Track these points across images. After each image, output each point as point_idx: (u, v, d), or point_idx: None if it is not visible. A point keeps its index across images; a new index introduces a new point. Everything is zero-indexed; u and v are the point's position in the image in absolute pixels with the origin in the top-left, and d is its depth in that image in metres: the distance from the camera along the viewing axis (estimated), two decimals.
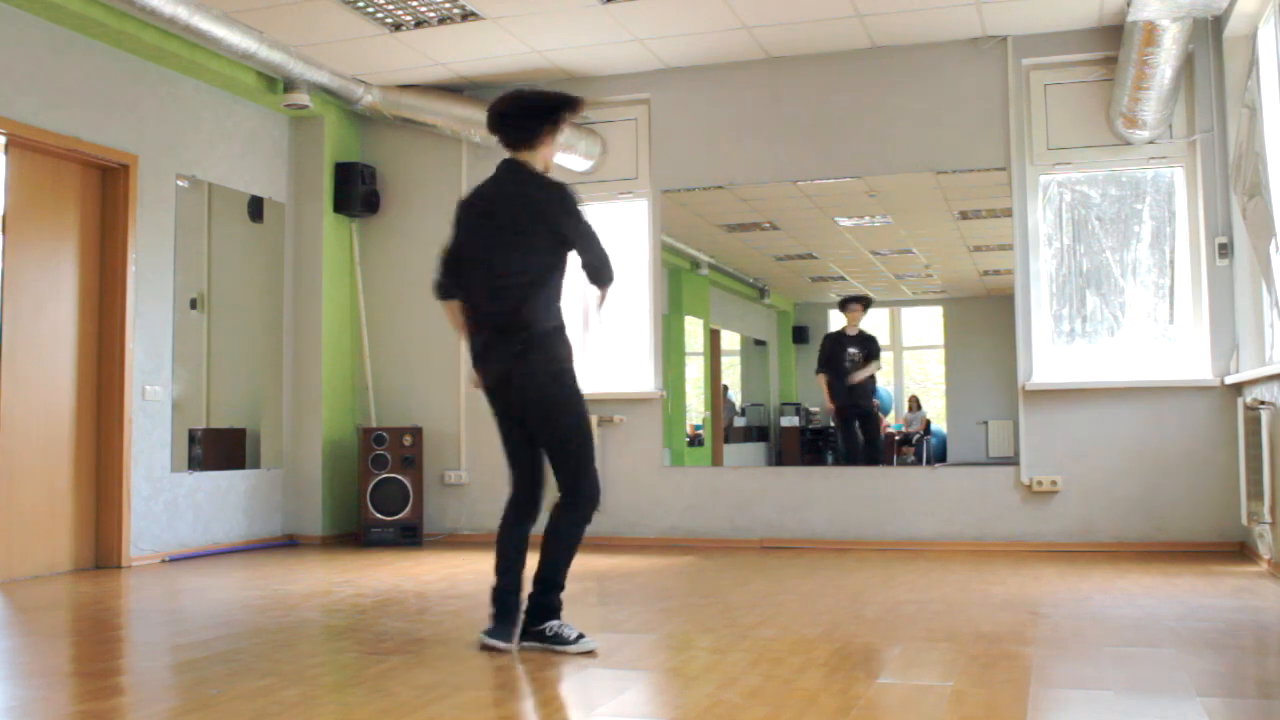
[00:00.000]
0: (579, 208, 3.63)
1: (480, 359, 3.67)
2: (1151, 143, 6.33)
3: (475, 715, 2.76)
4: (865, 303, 7.58)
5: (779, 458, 7.93)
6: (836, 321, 7.75)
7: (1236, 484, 5.73)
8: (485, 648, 3.57)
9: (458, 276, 3.73)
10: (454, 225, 3.76)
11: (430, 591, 4.98)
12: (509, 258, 3.58)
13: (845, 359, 7.50)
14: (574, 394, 3.62)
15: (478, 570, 5.71)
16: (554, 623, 3.57)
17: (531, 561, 3.66)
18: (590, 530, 7.63)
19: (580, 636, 3.56)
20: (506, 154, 3.72)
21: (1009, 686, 2.99)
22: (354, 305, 7.61)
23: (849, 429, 7.59)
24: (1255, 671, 3.34)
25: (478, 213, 3.70)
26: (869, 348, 7.50)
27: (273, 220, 7.29)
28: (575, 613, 4.48)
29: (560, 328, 3.63)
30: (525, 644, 3.58)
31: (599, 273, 3.65)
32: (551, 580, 3.60)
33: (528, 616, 3.61)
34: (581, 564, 5.94)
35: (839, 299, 7.68)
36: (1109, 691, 2.96)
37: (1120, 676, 3.13)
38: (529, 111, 3.68)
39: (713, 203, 7.12)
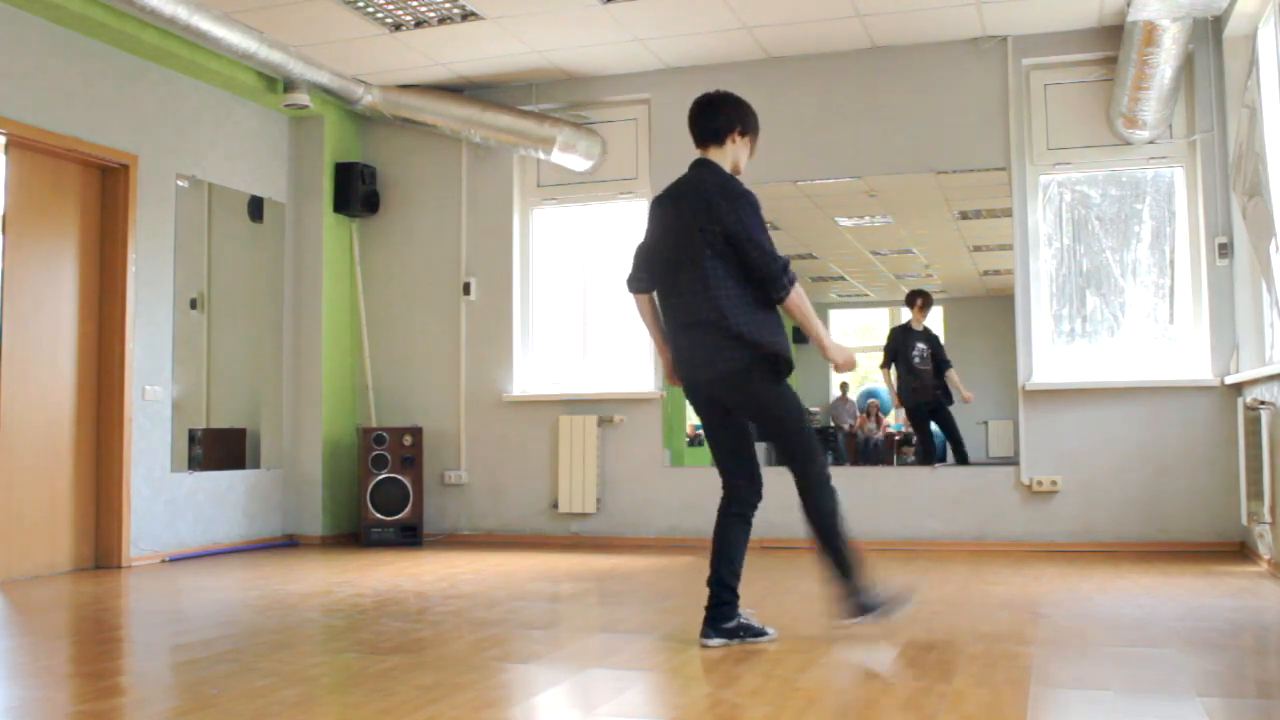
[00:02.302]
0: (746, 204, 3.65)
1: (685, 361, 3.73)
2: (1151, 143, 6.33)
3: (475, 715, 2.76)
4: (928, 299, 7.42)
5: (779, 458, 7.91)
6: (839, 321, 7.74)
7: (1236, 484, 5.73)
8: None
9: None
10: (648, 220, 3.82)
11: (430, 591, 4.98)
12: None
13: (914, 353, 7.41)
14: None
15: (478, 570, 5.71)
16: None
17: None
18: (590, 530, 7.67)
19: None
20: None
21: (1009, 686, 2.99)
22: (354, 305, 7.61)
23: (924, 427, 7.41)
24: (1255, 671, 3.34)
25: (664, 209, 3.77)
26: (936, 345, 7.31)
27: (273, 220, 7.29)
28: (576, 612, 4.48)
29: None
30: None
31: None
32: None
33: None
34: (582, 563, 5.96)
35: (907, 292, 7.45)
36: (1109, 691, 2.96)
37: (1120, 676, 3.13)
38: (718, 107, 3.76)
39: None
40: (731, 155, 3.77)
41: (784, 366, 3.74)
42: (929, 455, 7.24)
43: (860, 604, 3.63)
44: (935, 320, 7.93)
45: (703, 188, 3.66)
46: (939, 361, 7.30)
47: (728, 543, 3.68)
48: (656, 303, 3.85)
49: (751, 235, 3.60)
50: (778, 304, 3.66)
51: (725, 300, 3.61)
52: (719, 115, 3.76)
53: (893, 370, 7.42)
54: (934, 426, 7.71)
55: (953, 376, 7.22)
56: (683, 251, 3.67)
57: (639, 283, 3.85)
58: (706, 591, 3.65)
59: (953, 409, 7.37)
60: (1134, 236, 6.47)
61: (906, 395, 7.38)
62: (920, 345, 7.35)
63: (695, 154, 3.83)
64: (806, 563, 5.91)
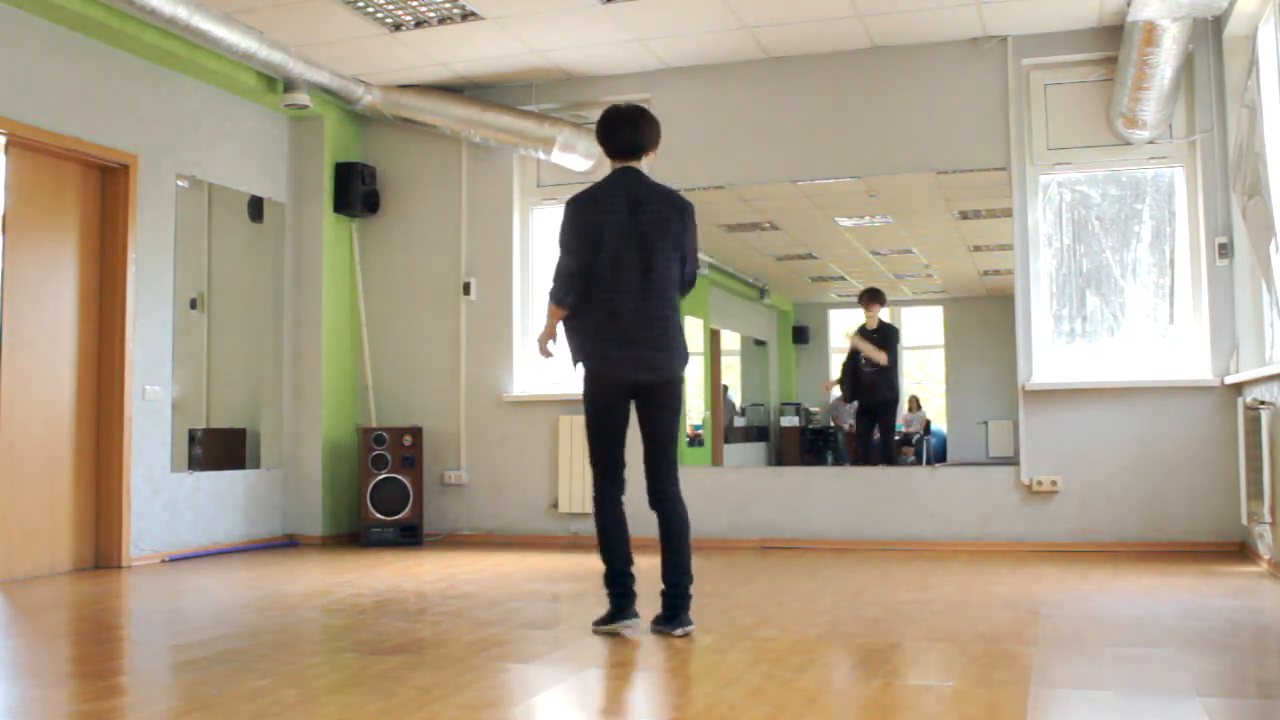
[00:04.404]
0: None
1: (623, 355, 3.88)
2: (1151, 143, 6.33)
3: (475, 715, 2.76)
4: (875, 296, 7.48)
5: (779, 458, 7.92)
6: (836, 321, 7.75)
7: (1236, 484, 5.73)
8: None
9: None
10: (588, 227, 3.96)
11: (430, 591, 4.98)
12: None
13: (861, 354, 7.46)
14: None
15: (478, 570, 5.71)
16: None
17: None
18: (590, 530, 7.64)
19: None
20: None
21: (1009, 686, 2.99)
22: (354, 305, 7.61)
23: (864, 426, 7.52)
24: (1255, 671, 3.34)
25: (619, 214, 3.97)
26: (886, 341, 7.42)
27: (273, 220, 7.29)
28: (576, 612, 4.48)
29: None
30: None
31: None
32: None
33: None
34: (582, 563, 5.95)
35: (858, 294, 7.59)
36: (1109, 691, 2.96)
37: (1120, 676, 3.13)
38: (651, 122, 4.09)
39: (713, 203, 7.11)
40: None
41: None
42: (866, 454, 7.44)
43: (689, 615, 3.87)
44: (935, 320, 7.94)
45: (669, 196, 4.02)
46: (889, 357, 7.41)
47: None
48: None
49: (695, 247, 4.05)
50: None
51: (677, 306, 3.99)
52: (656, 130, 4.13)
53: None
54: (935, 426, 7.73)
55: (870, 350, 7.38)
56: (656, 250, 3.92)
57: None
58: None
59: (950, 406, 7.39)
60: (1134, 236, 6.47)
61: (856, 394, 7.52)
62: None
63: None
64: (806, 562, 5.92)
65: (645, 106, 4.11)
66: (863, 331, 7.46)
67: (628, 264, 3.87)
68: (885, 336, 7.43)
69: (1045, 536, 6.32)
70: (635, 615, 3.86)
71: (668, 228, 3.92)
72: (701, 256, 7.77)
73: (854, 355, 7.49)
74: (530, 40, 6.54)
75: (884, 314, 7.48)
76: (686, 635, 3.79)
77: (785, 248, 8.03)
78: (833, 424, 7.88)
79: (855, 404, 7.71)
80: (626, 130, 4.06)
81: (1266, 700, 2.95)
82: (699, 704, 2.87)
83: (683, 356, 3.97)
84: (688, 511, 3.94)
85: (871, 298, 7.42)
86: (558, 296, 3.96)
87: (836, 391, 7.72)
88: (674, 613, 3.84)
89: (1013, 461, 6.47)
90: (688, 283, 4.05)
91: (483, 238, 7.45)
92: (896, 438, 7.77)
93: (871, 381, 7.46)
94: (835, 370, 7.98)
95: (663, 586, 3.88)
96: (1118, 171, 6.47)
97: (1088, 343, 6.48)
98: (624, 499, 3.95)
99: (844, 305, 8.22)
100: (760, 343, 8.35)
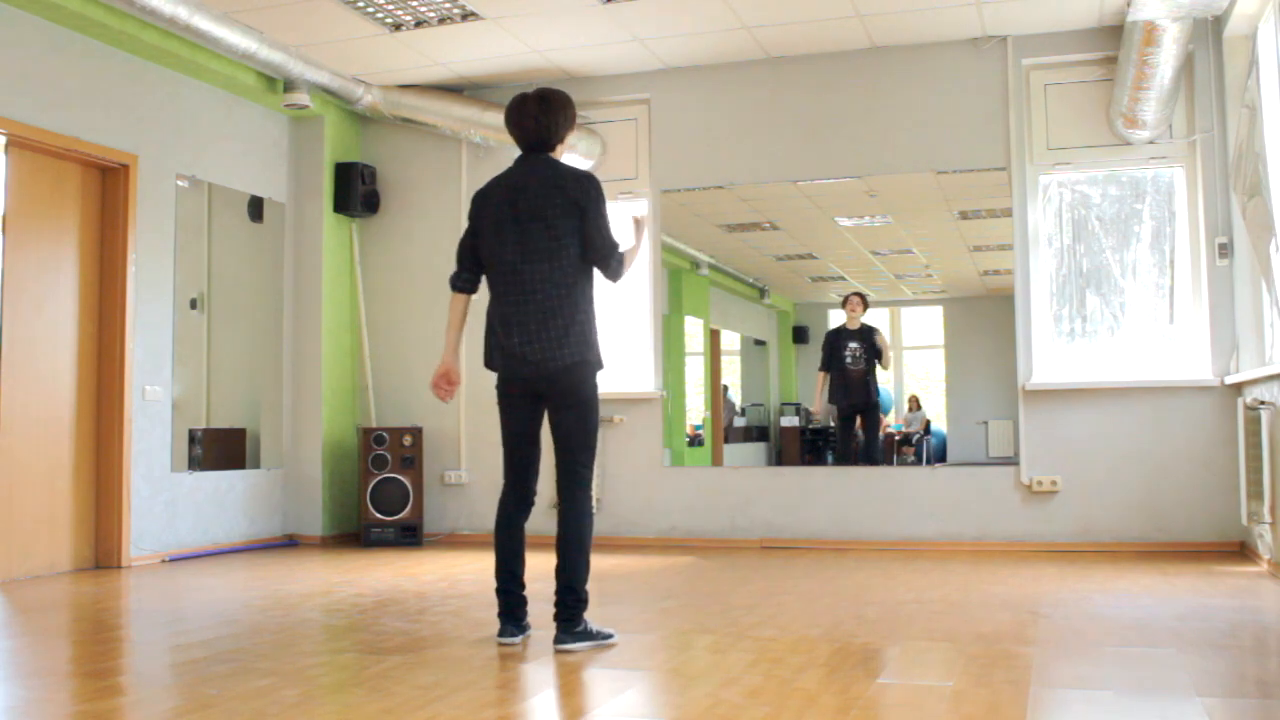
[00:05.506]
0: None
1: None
2: (1151, 143, 6.33)
3: (475, 715, 2.76)
4: (863, 298, 7.53)
5: (779, 458, 7.92)
6: (837, 321, 7.75)
7: (1236, 484, 5.73)
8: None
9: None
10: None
11: (430, 591, 4.98)
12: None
13: (845, 354, 7.48)
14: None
15: (478, 570, 5.71)
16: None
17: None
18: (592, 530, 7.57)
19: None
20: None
21: (1009, 686, 2.99)
22: (354, 305, 7.61)
23: (847, 427, 7.57)
24: (1255, 671, 3.34)
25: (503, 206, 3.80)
26: (870, 341, 7.47)
27: (273, 220, 7.29)
28: None
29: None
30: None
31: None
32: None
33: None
34: None
35: (841, 297, 7.67)
36: (1109, 691, 2.96)
37: (1120, 676, 3.13)
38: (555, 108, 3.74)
39: (713, 203, 7.11)
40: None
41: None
42: (846, 455, 7.48)
43: (588, 629, 3.65)
44: (935, 320, 7.93)
45: (558, 177, 3.74)
46: (870, 358, 7.41)
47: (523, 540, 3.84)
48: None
49: (600, 225, 3.81)
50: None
51: (574, 293, 3.90)
52: (561, 116, 3.77)
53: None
54: (935, 426, 7.72)
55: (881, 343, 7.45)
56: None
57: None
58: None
59: (950, 406, 7.38)
60: (1134, 236, 6.47)
61: (839, 396, 7.51)
62: (852, 345, 7.44)
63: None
64: (806, 562, 5.92)
65: (557, 89, 3.78)
66: (843, 332, 7.51)
67: (508, 257, 3.74)
68: (865, 337, 7.45)
69: (1045, 536, 6.32)
70: (513, 632, 3.68)
71: (544, 211, 3.63)
72: (701, 256, 7.81)
73: (838, 357, 7.52)
74: (530, 40, 6.54)
75: (869, 317, 7.52)
76: (566, 653, 3.54)
77: (785, 248, 8.03)
78: (832, 424, 7.88)
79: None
80: (526, 122, 3.70)
81: (1266, 700, 2.95)
82: (699, 704, 2.87)
83: (575, 348, 3.71)
84: (586, 519, 3.72)
85: (848, 299, 7.48)
86: (450, 279, 3.96)
87: (820, 405, 7.72)
88: (557, 624, 3.65)
89: (1013, 461, 6.47)
90: (602, 263, 3.74)
91: None
92: (897, 438, 7.77)
93: (852, 382, 7.48)
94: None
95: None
96: (1118, 171, 6.48)
97: (1088, 342, 6.48)
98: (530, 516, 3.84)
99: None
100: (760, 343, 8.35)
